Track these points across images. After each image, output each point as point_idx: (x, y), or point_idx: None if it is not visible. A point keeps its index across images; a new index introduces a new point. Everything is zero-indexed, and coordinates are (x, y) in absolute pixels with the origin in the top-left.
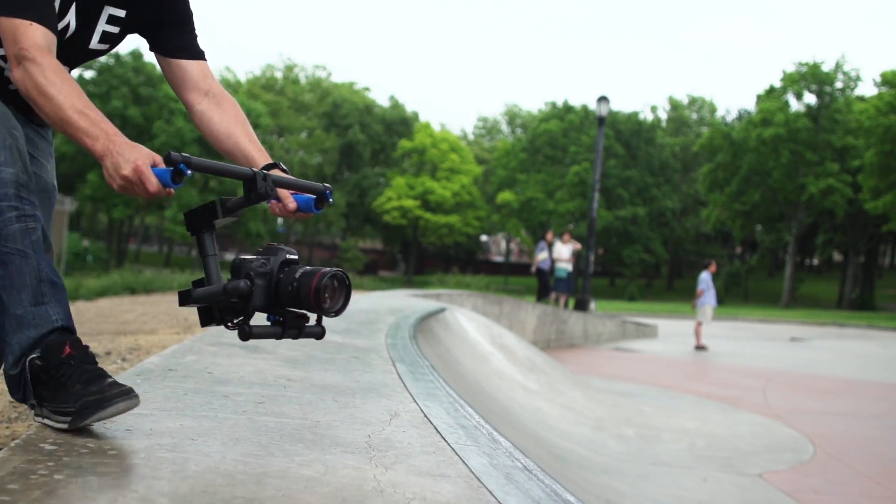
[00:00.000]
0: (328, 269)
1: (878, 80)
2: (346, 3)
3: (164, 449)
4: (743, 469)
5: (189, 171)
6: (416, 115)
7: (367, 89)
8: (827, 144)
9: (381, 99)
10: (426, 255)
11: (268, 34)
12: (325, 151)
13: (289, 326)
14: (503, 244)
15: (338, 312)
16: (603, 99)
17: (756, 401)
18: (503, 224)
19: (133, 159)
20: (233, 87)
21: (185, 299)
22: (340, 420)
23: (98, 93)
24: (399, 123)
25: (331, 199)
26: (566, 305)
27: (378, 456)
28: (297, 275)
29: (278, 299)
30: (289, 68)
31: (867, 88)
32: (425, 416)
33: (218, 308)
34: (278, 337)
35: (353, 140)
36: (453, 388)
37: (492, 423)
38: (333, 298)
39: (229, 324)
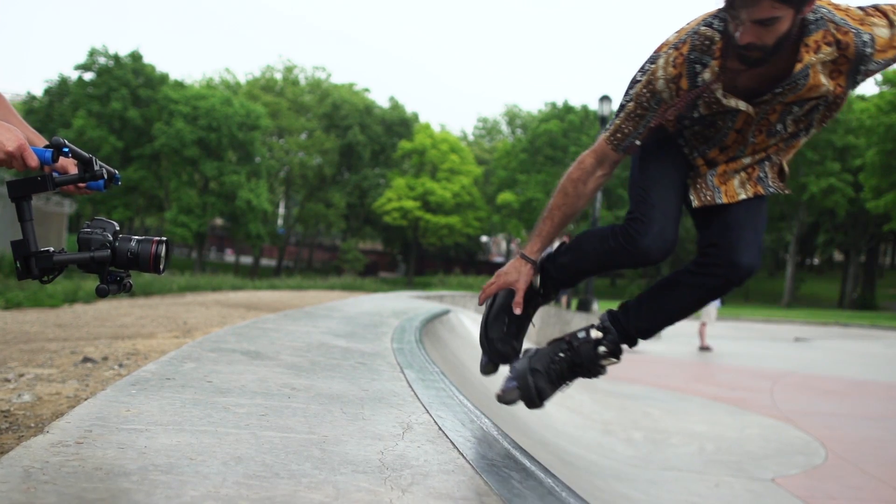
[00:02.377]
0: (156, 238)
1: (879, 78)
2: (346, 4)
3: (158, 470)
4: (755, 474)
5: (70, 154)
6: (415, 116)
7: (366, 90)
8: (828, 143)
9: (380, 100)
10: (426, 256)
11: (267, 35)
12: (325, 152)
13: (122, 284)
14: (503, 245)
15: (164, 270)
16: (605, 98)
17: (764, 402)
18: (503, 225)
19: (16, 138)
20: (232, 88)
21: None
22: (350, 434)
23: (97, 94)
24: (399, 124)
25: (118, 182)
26: (568, 306)
27: (393, 476)
28: (134, 243)
29: (115, 262)
30: (288, 69)
31: (868, 87)
32: (440, 428)
33: (46, 267)
34: (115, 293)
35: (353, 141)
36: (465, 395)
37: (508, 436)
38: (164, 261)
39: (45, 278)
